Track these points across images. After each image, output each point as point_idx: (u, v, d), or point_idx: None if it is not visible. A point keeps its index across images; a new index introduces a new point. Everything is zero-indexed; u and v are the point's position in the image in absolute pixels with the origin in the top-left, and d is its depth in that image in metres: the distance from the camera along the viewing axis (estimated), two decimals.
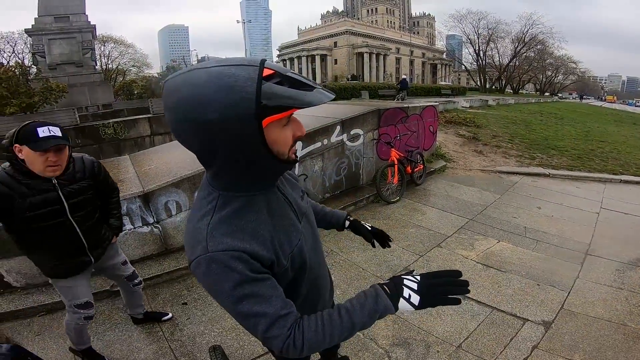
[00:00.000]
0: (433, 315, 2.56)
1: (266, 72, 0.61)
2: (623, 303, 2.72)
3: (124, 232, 3.11)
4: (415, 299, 0.76)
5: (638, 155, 8.68)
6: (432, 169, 6.12)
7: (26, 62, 14.20)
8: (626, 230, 4.21)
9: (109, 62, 33.52)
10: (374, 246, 1.31)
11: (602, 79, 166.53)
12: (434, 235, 3.85)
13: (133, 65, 35.82)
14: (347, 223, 1.28)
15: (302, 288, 0.91)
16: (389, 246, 1.30)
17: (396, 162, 4.86)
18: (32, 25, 12.57)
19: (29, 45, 18.92)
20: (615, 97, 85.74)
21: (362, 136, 4.93)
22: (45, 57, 12.10)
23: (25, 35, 15.44)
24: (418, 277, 0.79)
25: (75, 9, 12.74)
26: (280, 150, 0.69)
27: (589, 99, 66.36)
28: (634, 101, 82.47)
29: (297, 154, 0.80)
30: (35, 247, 1.73)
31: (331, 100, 0.70)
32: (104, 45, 32.08)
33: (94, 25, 13.45)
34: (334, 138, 4.54)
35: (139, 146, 8.61)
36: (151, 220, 3.23)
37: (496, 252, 3.49)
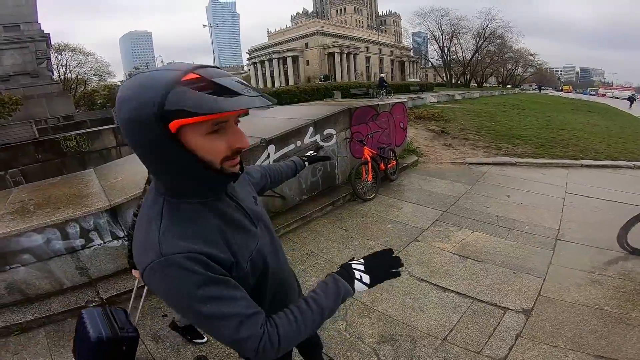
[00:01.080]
0: (416, 310, 2.59)
1: (189, 76, 0.61)
2: (596, 287, 2.82)
3: (93, 248, 3.08)
4: (366, 278, 0.86)
5: (595, 140, 9.22)
6: (404, 165, 6.22)
7: None
8: (591, 213, 4.43)
9: (67, 71, 31.89)
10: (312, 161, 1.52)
11: (558, 70, 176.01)
12: (410, 230, 3.90)
13: (94, 74, 34.24)
14: (307, 163, 1.48)
15: (267, 292, 0.91)
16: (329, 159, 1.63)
17: (369, 159, 4.90)
18: None
19: None
20: (571, 87, 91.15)
21: (335, 136, 4.93)
22: None
23: None
24: (362, 260, 0.90)
25: (26, 17, 12.03)
26: (208, 159, 0.67)
27: (547, 89, 70.02)
28: (588, 90, 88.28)
29: (239, 167, 0.76)
30: None
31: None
32: (61, 55, 30.46)
33: (48, 33, 12.75)
34: (307, 139, 4.51)
35: (105, 158, 8.22)
36: (122, 234, 3.16)
37: (471, 243, 3.58)
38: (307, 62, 71.97)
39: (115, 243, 3.14)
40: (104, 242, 3.09)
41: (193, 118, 0.60)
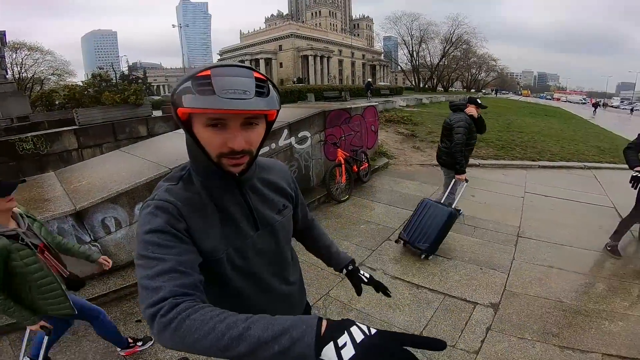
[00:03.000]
0: (392, 307, 2.67)
1: (203, 73, 0.69)
2: (556, 281, 3.03)
3: None
4: (348, 353, 0.48)
5: (550, 142, 9.87)
6: (376, 167, 6.40)
7: None
8: (548, 211, 4.77)
9: (23, 70, 29.93)
10: (358, 294, 1.26)
11: (518, 75, 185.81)
12: (383, 230, 4.03)
13: (52, 74, 32.30)
14: (345, 271, 1.26)
15: (245, 291, 0.93)
16: (389, 296, 1.28)
17: (343, 161, 5.00)
18: None
19: None
20: (529, 92, 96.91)
21: (309, 138, 4.98)
22: None
23: None
24: (373, 331, 0.51)
25: None
26: (207, 150, 0.76)
27: (507, 93, 73.89)
28: (545, 94, 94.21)
29: (240, 169, 0.80)
30: None
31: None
32: (16, 53, 28.58)
33: (4, 31, 11.94)
34: (282, 141, 4.54)
35: (65, 161, 7.75)
36: (88, 239, 3.05)
37: None
38: (281, 65, 71.77)
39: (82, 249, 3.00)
40: None
41: (188, 109, 0.70)
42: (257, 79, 0.72)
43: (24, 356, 1.91)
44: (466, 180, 3.76)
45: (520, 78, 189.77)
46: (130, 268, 3.28)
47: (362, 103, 7.78)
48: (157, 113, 10.73)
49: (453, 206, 3.61)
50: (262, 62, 70.19)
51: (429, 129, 10.26)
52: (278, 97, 0.77)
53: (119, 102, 9.54)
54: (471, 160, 7.37)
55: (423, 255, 3.38)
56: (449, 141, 3.73)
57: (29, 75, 29.97)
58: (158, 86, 74.35)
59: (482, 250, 3.58)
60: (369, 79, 27.82)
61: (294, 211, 1.10)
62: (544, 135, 11.32)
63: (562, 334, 2.37)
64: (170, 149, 4.65)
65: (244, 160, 0.78)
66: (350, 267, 1.26)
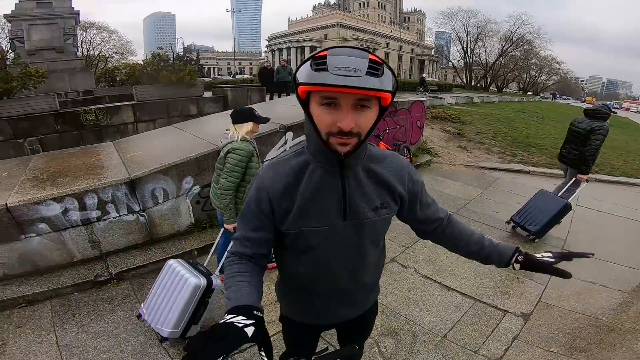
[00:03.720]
0: (419, 305, 2.65)
1: (322, 53, 0.74)
2: (595, 297, 2.85)
3: (108, 221, 3.04)
4: (249, 329, 0.74)
5: (612, 155, 9.07)
6: (418, 163, 6.25)
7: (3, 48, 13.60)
8: (599, 227, 4.41)
9: (91, 48, 32.42)
10: (566, 276, 1.06)
11: (584, 80, 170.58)
12: None
13: (116, 52, 34.71)
14: (517, 265, 1.03)
15: (310, 273, 0.99)
16: (569, 275, 1.06)
17: None
18: (12, 10, 11.98)
19: (7, 31, 18.03)
20: (594, 99, 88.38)
21: None
22: (24, 43, 11.55)
23: (4, 20, 14.78)
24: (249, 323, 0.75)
25: None
26: (318, 127, 0.79)
27: (568, 99, 68.14)
28: (611, 103, 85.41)
29: (346, 149, 0.79)
30: None
31: None
32: (86, 32, 30.96)
33: (78, 11, 12.93)
34: None
35: (121, 133, 8.33)
36: (137, 208, 3.17)
37: None
38: None
39: (130, 217, 3.14)
40: (119, 215, 3.08)
41: (303, 86, 0.75)
42: (371, 60, 0.72)
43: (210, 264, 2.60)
44: (587, 181, 3.97)
45: (586, 84, 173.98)
46: (171, 241, 3.37)
47: (409, 97, 7.59)
48: (207, 94, 11.18)
49: (569, 199, 3.81)
50: (307, 50, 70.27)
51: (477, 129, 9.82)
52: (394, 82, 0.77)
53: (174, 82, 10.07)
54: (521, 167, 7.02)
55: (531, 237, 3.70)
56: (581, 145, 3.86)
57: (95, 53, 32.39)
58: (209, 69, 77.05)
59: None
60: (424, 74, 27.54)
61: (410, 212, 1.05)
62: (606, 146, 10.28)
63: (591, 350, 2.25)
64: (221, 127, 4.76)
65: (351, 141, 0.78)
66: (520, 258, 1.03)
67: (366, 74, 0.69)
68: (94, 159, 3.66)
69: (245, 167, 2.32)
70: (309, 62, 0.73)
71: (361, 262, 1.00)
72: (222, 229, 2.51)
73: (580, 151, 3.86)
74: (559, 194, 3.98)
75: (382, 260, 1.14)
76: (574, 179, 3.98)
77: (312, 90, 0.75)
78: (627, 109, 64.10)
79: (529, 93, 50.14)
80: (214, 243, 2.76)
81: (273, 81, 10.71)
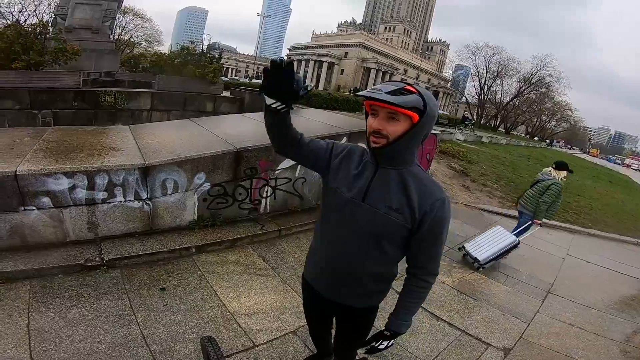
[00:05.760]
0: (409, 331, 2.79)
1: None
2: (572, 338, 3.05)
3: (112, 204, 2.95)
4: None
5: (608, 213, 9.23)
6: None
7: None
8: (586, 276, 4.62)
9: (123, 33, 33.19)
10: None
11: (592, 130, 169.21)
12: None
13: (145, 40, 35.46)
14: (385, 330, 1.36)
15: (325, 224, 1.31)
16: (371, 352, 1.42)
17: None
18: None
19: (53, 6, 18.53)
20: (598, 151, 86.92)
21: None
22: (64, 20, 11.96)
23: None
24: None
25: None
26: (367, 129, 1.12)
27: (575, 149, 67.40)
28: (615, 157, 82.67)
29: (378, 146, 1.11)
30: None
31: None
32: (123, 16, 31.71)
33: None
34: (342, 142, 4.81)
35: (135, 119, 8.43)
36: (144, 195, 3.08)
37: (470, 281, 3.80)
38: (342, 71, 72.46)
39: (136, 204, 3.07)
40: (125, 201, 3.00)
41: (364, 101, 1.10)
42: (399, 86, 1.03)
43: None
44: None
45: (593, 134, 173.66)
46: (170, 234, 3.26)
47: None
48: (226, 94, 11.27)
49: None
50: (324, 65, 71.28)
51: (482, 170, 9.97)
52: (422, 104, 1.03)
53: (197, 77, 10.28)
54: (516, 214, 7.16)
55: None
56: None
57: (125, 38, 33.08)
58: (227, 68, 78.00)
59: (510, 298, 3.59)
60: (466, 112, 27.76)
61: (410, 240, 1.19)
62: (603, 203, 10.58)
63: None
64: (238, 129, 4.82)
65: (381, 141, 1.08)
66: (385, 332, 1.36)
67: (386, 93, 1.00)
68: (110, 140, 3.60)
69: (558, 195, 4.22)
70: None
71: (363, 255, 1.22)
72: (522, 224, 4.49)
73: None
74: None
75: (386, 278, 1.34)
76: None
77: (365, 104, 1.10)
78: (629, 166, 61.20)
79: (536, 138, 49.78)
80: (214, 243, 2.71)
81: None
